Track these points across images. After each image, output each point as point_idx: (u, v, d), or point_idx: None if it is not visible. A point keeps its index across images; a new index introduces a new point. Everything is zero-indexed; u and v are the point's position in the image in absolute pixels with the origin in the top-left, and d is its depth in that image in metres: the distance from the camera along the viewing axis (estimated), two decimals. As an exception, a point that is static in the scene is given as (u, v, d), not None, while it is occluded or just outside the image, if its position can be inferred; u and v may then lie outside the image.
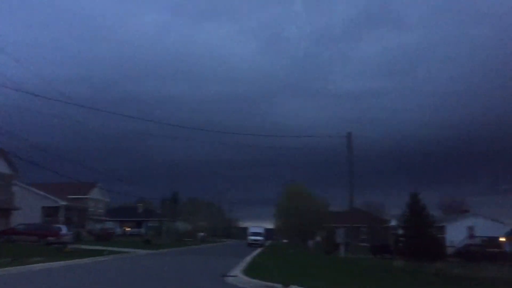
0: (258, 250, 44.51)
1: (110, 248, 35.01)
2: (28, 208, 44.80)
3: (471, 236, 53.08)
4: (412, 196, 47.40)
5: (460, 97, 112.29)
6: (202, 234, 75.50)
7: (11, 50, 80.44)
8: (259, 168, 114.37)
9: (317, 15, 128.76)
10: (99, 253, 28.56)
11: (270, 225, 77.70)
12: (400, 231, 48.77)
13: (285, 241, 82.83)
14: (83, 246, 35.65)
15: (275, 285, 14.05)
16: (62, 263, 19.85)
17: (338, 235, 39.73)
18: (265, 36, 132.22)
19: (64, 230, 38.58)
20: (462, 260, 45.34)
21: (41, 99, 26.67)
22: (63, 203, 51.52)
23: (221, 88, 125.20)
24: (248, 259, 28.85)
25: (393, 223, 59.19)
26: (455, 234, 53.25)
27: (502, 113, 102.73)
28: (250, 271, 18.57)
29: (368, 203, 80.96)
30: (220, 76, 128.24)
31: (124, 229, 76.34)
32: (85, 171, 75.38)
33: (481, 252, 44.99)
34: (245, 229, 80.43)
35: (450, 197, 66.78)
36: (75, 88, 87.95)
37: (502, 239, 49.97)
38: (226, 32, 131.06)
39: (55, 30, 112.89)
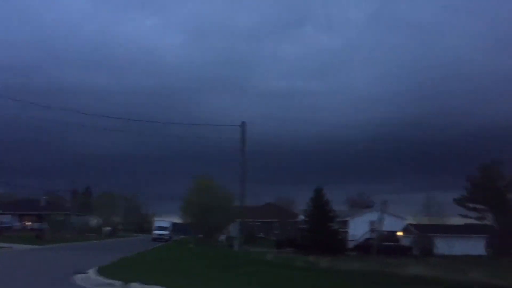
0: (157, 245, 42.92)
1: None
2: None
3: (373, 230, 54.93)
4: (317, 191, 48.20)
5: (378, 99, 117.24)
6: (108, 229, 72.15)
7: None
8: (178, 162, 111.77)
9: (247, 11, 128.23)
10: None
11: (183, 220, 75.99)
12: (305, 225, 49.51)
13: (200, 236, 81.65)
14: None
15: (116, 282, 12.92)
16: None
17: (232, 229, 39.02)
18: (193, 30, 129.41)
19: None
20: (360, 253, 46.91)
21: None
22: None
23: (145, 80, 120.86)
24: (132, 254, 27.33)
25: (302, 218, 60.12)
26: (358, 228, 54.88)
27: (415, 117, 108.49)
28: (109, 268, 17.15)
29: (281, 198, 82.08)
30: (144, 68, 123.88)
31: (24, 223, 71.16)
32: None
33: (378, 245, 46.58)
34: (159, 224, 77.97)
35: (358, 194, 69.15)
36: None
37: (400, 233, 52.25)
38: (152, 24, 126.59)
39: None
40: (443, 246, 47.57)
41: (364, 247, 47.59)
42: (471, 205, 52.17)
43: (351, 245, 51.71)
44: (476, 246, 48.81)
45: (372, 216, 56.60)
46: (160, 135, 68.23)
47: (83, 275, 15.28)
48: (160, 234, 57.00)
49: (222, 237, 65.08)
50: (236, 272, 14.70)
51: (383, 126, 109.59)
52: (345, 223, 56.06)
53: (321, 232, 45.19)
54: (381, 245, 46.76)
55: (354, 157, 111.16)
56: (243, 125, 30.47)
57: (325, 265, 18.74)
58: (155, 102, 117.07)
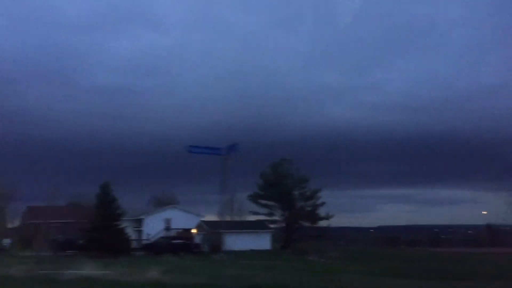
0: None
1: None
2: None
3: (168, 228, 53.54)
4: (103, 187, 44.56)
5: (206, 102, 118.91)
6: None
7: None
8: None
9: (78, 1, 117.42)
10: None
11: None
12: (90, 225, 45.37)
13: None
14: None
15: None
16: None
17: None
18: (14, 14, 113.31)
19: None
20: (149, 253, 44.82)
21: None
22: None
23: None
24: None
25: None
26: (154, 226, 52.81)
27: (239, 121, 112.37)
28: None
29: (84, 197, 75.74)
30: None
31: None
32: None
33: (167, 244, 45.17)
34: None
35: (161, 192, 67.28)
36: None
37: (194, 230, 51.69)
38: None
39: None
40: (232, 242, 48.24)
41: (152, 246, 45.72)
42: (263, 201, 54.27)
43: (144, 244, 49.37)
44: (264, 241, 50.75)
45: (168, 213, 55.33)
46: None
47: None
48: None
49: (6, 242, 57.08)
50: None
51: (208, 129, 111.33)
52: (139, 222, 53.52)
53: (104, 231, 41.78)
54: (169, 243, 45.49)
55: (178, 158, 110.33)
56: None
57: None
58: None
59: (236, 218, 65.97)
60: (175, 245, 44.97)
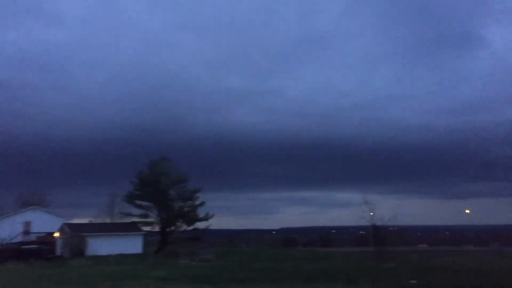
0: None
1: None
2: None
3: (27, 232, 47.93)
4: None
5: (104, 101, 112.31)
6: None
7: None
8: None
9: None
10: None
11: None
12: None
13: None
14: None
15: None
16: None
17: None
18: None
19: None
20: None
21: None
22: None
23: None
24: None
25: None
26: (10, 230, 46.92)
27: (137, 120, 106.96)
28: None
29: None
30: None
31: None
32: None
33: (15, 250, 39.99)
34: None
35: (30, 192, 60.68)
36: None
37: (56, 234, 46.68)
38: None
39: None
40: (99, 246, 44.07)
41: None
42: (138, 202, 50.51)
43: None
44: (135, 244, 47.08)
45: (29, 216, 49.66)
46: None
47: None
48: None
49: None
50: None
51: (105, 128, 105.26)
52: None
53: None
54: (18, 249, 40.37)
55: (61, 158, 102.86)
56: None
57: None
58: None
59: (117, 221, 61.42)
60: (25, 251, 39.96)
